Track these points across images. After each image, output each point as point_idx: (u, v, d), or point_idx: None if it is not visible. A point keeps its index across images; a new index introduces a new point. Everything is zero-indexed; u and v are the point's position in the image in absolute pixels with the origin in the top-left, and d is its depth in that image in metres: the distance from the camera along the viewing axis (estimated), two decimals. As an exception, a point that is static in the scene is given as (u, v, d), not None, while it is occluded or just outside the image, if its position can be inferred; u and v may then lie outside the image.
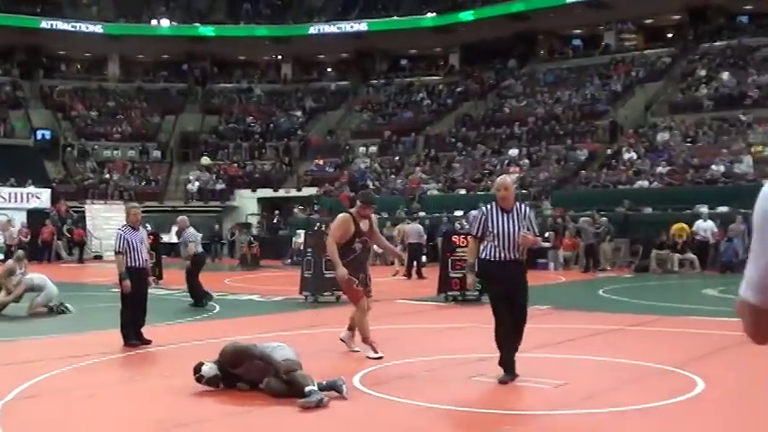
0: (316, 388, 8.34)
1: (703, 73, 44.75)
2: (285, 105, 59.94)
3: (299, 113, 58.24)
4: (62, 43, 59.34)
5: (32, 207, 41.93)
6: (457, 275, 19.11)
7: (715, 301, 18.51)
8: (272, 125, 56.69)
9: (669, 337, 13.69)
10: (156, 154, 54.68)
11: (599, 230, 30.17)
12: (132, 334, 12.63)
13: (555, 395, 9.02)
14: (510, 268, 9.44)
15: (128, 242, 12.77)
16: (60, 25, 57.30)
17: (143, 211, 13.74)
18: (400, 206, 38.58)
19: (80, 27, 57.96)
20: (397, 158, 48.59)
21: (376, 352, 11.06)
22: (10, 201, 42.44)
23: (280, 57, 64.37)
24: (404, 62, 63.75)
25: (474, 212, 31.11)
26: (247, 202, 49.63)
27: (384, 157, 49.42)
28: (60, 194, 45.30)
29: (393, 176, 45.77)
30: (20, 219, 39.54)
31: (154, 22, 60.45)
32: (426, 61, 63.36)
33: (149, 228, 21.63)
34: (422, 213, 36.17)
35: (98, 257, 39.10)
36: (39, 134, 53.33)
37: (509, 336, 9.49)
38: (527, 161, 41.92)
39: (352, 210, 11.53)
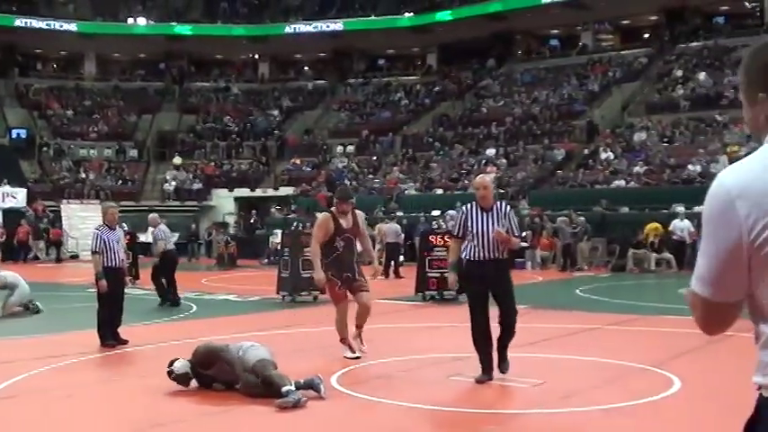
0: (293, 388, 8.32)
1: (680, 73, 44.96)
2: (262, 105, 59.78)
3: (276, 113, 58.08)
4: (37, 42, 58.86)
5: (8, 207, 41.60)
6: (434, 275, 19.14)
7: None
8: (249, 124, 56.50)
9: (646, 336, 13.74)
10: (133, 153, 54.36)
11: (576, 230, 30.25)
12: (109, 334, 12.59)
13: (533, 394, 9.04)
14: (490, 267, 9.43)
15: (104, 242, 12.72)
16: (35, 23, 56.80)
17: (120, 211, 13.66)
18: (378, 206, 38.55)
19: (55, 25, 57.54)
20: (374, 158, 48.57)
21: (353, 352, 11.05)
22: (-15, 200, 42.16)
23: (257, 56, 64.22)
24: (381, 62, 63.70)
25: (451, 212, 31.24)
26: (224, 201, 49.47)
27: (361, 157, 49.38)
28: (36, 194, 45.02)
29: (371, 176, 45.75)
30: (-5, 218, 39.34)
31: (130, 20, 60.13)
32: (404, 61, 63.36)
33: (126, 227, 21.52)
34: (399, 213, 36.19)
35: (74, 257, 38.91)
36: (14, 133, 52.89)
37: (485, 336, 9.51)
38: (504, 161, 41.99)
39: (332, 208, 11.42)
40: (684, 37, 49.30)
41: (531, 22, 54.53)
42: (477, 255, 9.46)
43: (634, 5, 50.36)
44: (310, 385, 8.55)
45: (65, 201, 43.96)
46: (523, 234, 29.17)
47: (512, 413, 8.54)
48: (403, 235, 30.06)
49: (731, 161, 33.13)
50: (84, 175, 49.91)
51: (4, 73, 58.31)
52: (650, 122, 41.00)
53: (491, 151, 43.82)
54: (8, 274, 17.73)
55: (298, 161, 50.71)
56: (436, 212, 34.33)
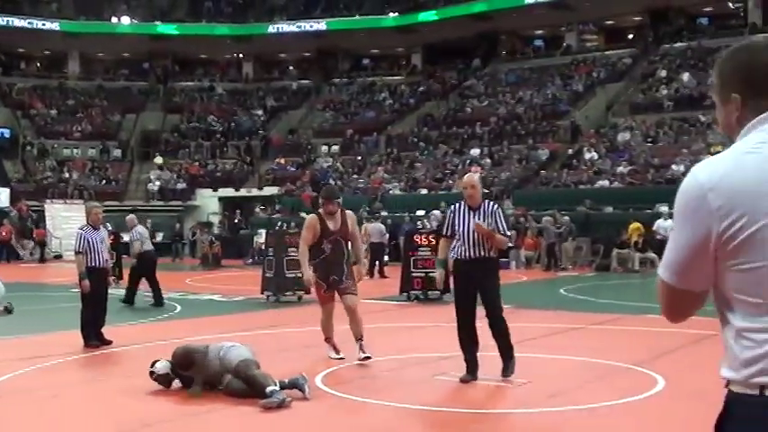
0: (278, 387, 8.31)
1: (664, 74, 45.14)
2: (247, 104, 59.72)
3: (260, 112, 58.04)
4: (21, 41, 58.68)
5: (-9, 207, 41.53)
6: (419, 275, 19.17)
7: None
8: (233, 124, 56.43)
9: (630, 335, 13.78)
10: (117, 153, 54.16)
11: (560, 230, 30.32)
12: (93, 335, 12.57)
13: (518, 394, 9.06)
14: (478, 266, 9.44)
15: (88, 242, 12.69)
16: (18, 22, 56.63)
17: (103, 211, 13.62)
18: (362, 205, 38.53)
19: (39, 24, 57.33)
20: (359, 158, 48.58)
21: (337, 352, 11.02)
22: (-32, 200, 42.02)
23: (241, 55, 64.16)
24: (366, 62, 63.75)
25: (436, 212, 31.25)
26: (209, 201, 49.37)
27: (346, 157, 49.39)
28: (20, 194, 44.90)
29: (355, 176, 45.76)
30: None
31: (114, 19, 59.99)
32: (388, 61, 63.42)
33: (110, 227, 21.47)
34: (384, 213, 36.18)
35: (58, 257, 38.78)
36: (-3, 133, 52.78)
37: (471, 336, 9.52)
38: (489, 161, 42.04)
39: (320, 209, 11.15)
40: (668, 37, 49.53)
41: (515, 22, 54.68)
42: (464, 254, 9.47)
43: (618, 6, 50.55)
44: (295, 385, 8.54)
45: (48, 200, 43.80)
46: (508, 234, 29.25)
47: (496, 413, 8.55)
48: (387, 235, 30.09)
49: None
50: (67, 175, 49.73)
51: (-13, 72, 58.15)
52: (634, 122, 41.14)
53: (475, 151, 43.88)
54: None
55: (282, 161, 50.65)
56: (421, 212, 34.33)
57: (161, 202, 48.42)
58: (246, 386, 8.58)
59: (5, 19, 56.22)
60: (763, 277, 2.33)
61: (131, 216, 20.85)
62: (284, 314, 17.04)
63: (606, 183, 35.57)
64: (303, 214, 35.87)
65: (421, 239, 19.65)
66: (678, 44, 48.36)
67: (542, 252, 30.71)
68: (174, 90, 61.34)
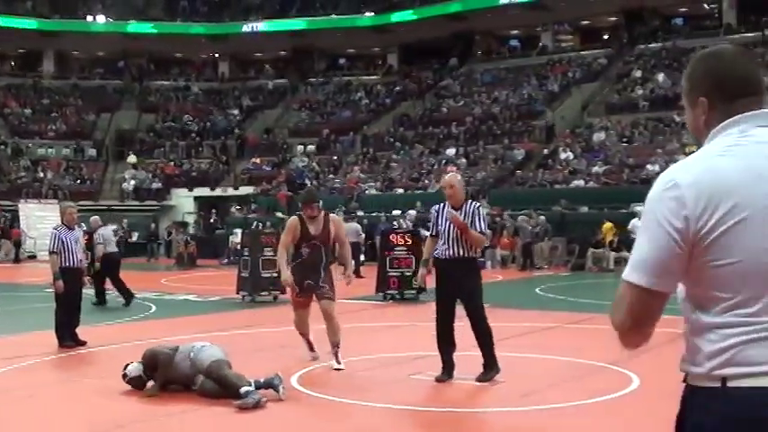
0: (252, 388, 8.29)
1: (639, 74, 45.36)
2: (222, 104, 59.56)
3: (236, 112, 57.88)
4: (-5, 39, 58.38)
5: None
6: (395, 274, 19.18)
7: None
8: (209, 123, 56.24)
9: (605, 334, 13.69)
10: (92, 152, 53.83)
11: (536, 229, 30.40)
12: (67, 335, 12.52)
13: (493, 393, 9.08)
14: (459, 265, 9.46)
15: (62, 242, 12.64)
16: (-8, 21, 56.31)
17: (78, 211, 13.55)
18: (338, 205, 38.45)
19: (13, 22, 56.92)
20: (335, 158, 48.51)
21: (312, 350, 11.00)
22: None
23: (217, 55, 64.00)
24: (342, 61, 63.74)
25: (411, 212, 31.32)
26: (184, 201, 49.16)
27: (322, 156, 49.30)
28: (-7, 193, 44.64)
29: (331, 176, 45.69)
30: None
31: (89, 18, 59.68)
32: (364, 60, 63.41)
33: (84, 227, 21.37)
34: (360, 212, 36.18)
35: (32, 257, 38.56)
36: (-29, 132, 52.41)
37: (448, 335, 9.54)
38: (464, 161, 42.07)
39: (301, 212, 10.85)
40: (643, 38, 49.79)
41: (491, 22, 54.78)
42: (444, 253, 9.51)
43: (593, 6, 50.78)
44: (270, 385, 8.52)
45: (22, 200, 43.48)
46: (486, 232, 29.31)
47: (471, 411, 8.57)
48: (363, 235, 30.12)
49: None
50: (42, 175, 49.41)
51: (-39, 71, 57.77)
52: (609, 123, 41.30)
53: (451, 151, 43.92)
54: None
55: (258, 160, 50.53)
56: (397, 212, 34.32)
57: (136, 202, 48.22)
58: (219, 387, 8.56)
59: (-21, 17, 55.86)
60: (737, 273, 2.40)
61: (95, 217, 20.75)
62: (260, 314, 17.01)
63: (581, 183, 35.68)
64: (279, 214, 35.96)
65: (397, 239, 19.64)
66: (653, 44, 48.64)
67: (518, 252, 30.78)
68: (150, 89, 61.09)
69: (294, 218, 10.84)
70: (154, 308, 18.14)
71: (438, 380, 9.43)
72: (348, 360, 10.52)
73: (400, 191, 40.54)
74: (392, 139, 48.07)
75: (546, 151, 41.29)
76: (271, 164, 49.98)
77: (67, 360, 11.78)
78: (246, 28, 59.51)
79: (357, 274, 26.92)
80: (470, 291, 9.57)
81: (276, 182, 45.53)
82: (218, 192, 48.71)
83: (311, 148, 50.92)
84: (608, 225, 29.38)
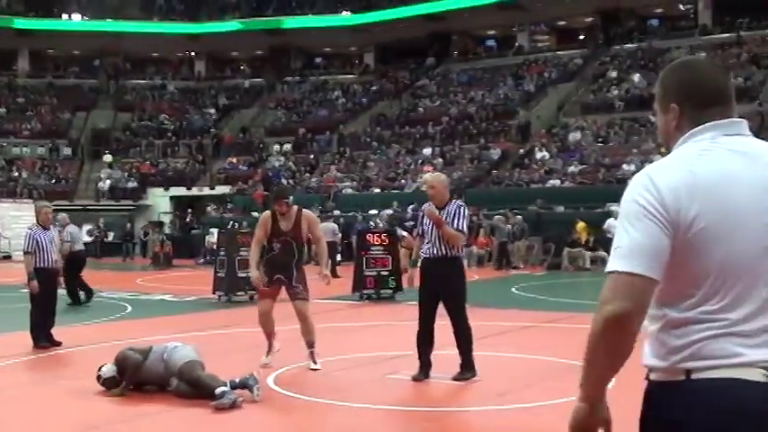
0: (228, 388, 8.28)
1: (614, 74, 45.54)
2: (199, 103, 59.39)
3: (212, 111, 57.76)
4: (-31, 37, 57.98)
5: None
6: (371, 274, 19.19)
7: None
8: (185, 123, 56.07)
9: (581, 333, 13.68)
10: (67, 151, 53.53)
11: (512, 229, 30.46)
12: (42, 336, 12.46)
13: (468, 392, 9.10)
14: (440, 265, 9.49)
15: (37, 242, 12.58)
16: (-34, 19, 55.94)
17: (53, 210, 13.49)
18: (315, 204, 38.43)
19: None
20: (311, 157, 48.47)
21: (270, 350, 10.79)
22: None
23: (193, 53, 63.81)
24: (319, 60, 63.68)
25: (388, 211, 31.34)
26: (160, 200, 48.99)
27: (298, 156, 49.23)
28: (-33, 193, 44.35)
29: (308, 175, 45.64)
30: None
31: (65, 16, 59.38)
32: (341, 60, 63.40)
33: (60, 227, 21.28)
34: (336, 212, 36.14)
35: (7, 257, 38.32)
36: (-56, 131, 52.03)
37: (427, 335, 9.56)
38: (441, 160, 42.09)
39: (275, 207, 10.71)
40: (619, 38, 50.01)
41: (467, 22, 54.85)
42: (428, 251, 9.57)
43: (569, 7, 50.95)
44: (245, 385, 8.50)
45: (-3, 200, 43.27)
46: (464, 230, 29.31)
47: (447, 410, 8.59)
48: (340, 234, 30.11)
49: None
50: (16, 174, 49.15)
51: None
52: (585, 122, 41.45)
53: (427, 151, 43.97)
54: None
55: (234, 160, 50.41)
56: (373, 211, 34.38)
57: (112, 202, 48.02)
58: (192, 388, 8.55)
59: (-46, 15, 55.47)
60: (708, 270, 2.52)
61: (63, 215, 20.65)
62: (236, 314, 16.97)
63: (557, 182, 35.80)
64: (255, 213, 35.86)
65: (373, 239, 19.66)
66: (629, 45, 48.86)
67: (494, 251, 30.83)
68: (126, 88, 60.83)
69: (266, 213, 10.86)
70: (129, 308, 18.07)
71: (415, 379, 9.44)
72: (324, 360, 10.51)
73: (377, 190, 40.54)
74: (369, 139, 48.08)
75: (522, 151, 41.39)
76: (247, 163, 49.88)
77: (42, 361, 11.73)
78: (224, 27, 59.33)
79: (333, 273, 26.98)
80: (453, 290, 9.61)
81: (252, 181, 45.46)
82: (194, 191, 48.58)
83: (288, 147, 50.80)
84: (581, 224, 29.49)
